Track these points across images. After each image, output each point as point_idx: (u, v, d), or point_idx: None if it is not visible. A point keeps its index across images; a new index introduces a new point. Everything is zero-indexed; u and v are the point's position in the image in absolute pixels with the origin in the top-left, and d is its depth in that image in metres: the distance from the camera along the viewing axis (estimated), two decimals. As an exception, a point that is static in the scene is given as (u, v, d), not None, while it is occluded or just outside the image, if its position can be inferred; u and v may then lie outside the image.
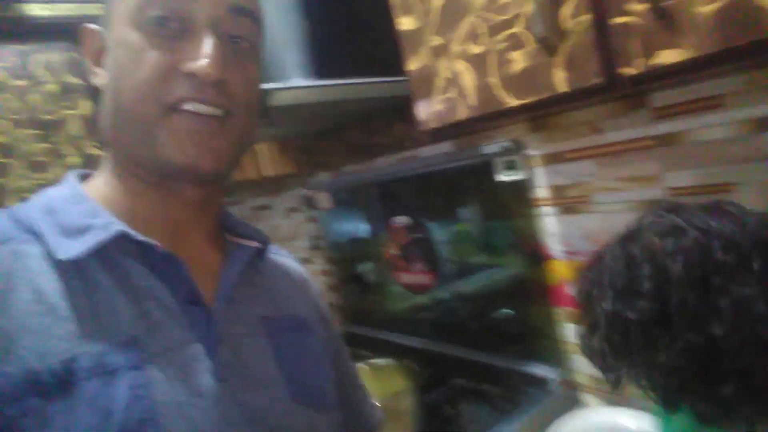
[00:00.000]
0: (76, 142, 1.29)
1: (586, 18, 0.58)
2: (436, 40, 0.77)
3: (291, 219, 1.96)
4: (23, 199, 1.17)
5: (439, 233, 1.32)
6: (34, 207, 0.47)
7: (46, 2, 1.27)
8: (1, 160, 1.21)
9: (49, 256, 0.43)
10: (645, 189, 0.89)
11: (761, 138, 0.74)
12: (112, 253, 0.45)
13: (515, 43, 0.66)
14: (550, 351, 1.06)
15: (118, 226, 0.45)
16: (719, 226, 0.49)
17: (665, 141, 0.85)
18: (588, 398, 1.04)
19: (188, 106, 0.46)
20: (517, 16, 0.65)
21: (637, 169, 0.90)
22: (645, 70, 0.55)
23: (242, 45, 0.49)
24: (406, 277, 1.44)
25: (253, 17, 0.50)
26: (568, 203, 1.02)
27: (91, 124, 1.27)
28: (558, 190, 1.03)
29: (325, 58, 1.07)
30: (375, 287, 1.63)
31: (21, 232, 0.45)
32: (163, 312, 0.46)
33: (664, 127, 0.85)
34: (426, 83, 0.80)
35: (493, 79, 0.70)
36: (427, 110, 0.82)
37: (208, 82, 0.45)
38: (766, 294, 0.45)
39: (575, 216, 1.01)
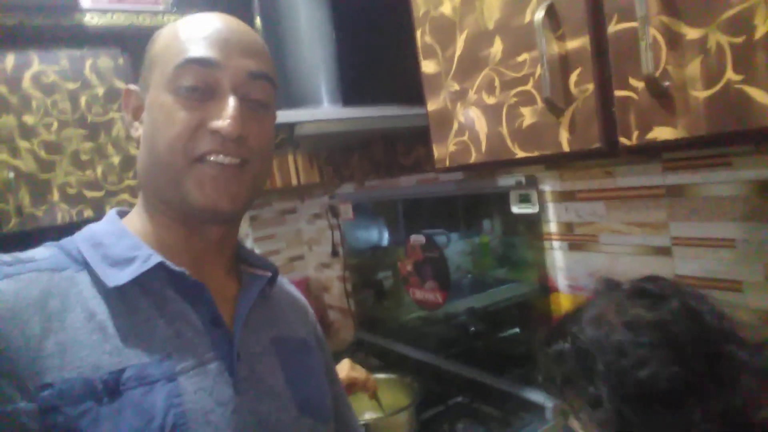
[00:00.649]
0: (118, 142, 1.39)
1: (589, 87, 0.62)
2: (454, 86, 0.82)
3: (314, 224, 2.04)
4: (67, 194, 1.27)
5: (453, 254, 1.37)
6: (82, 240, 0.55)
7: (101, 12, 1.35)
8: (50, 157, 1.31)
9: (96, 282, 0.51)
10: (650, 236, 0.92)
11: (764, 199, 0.77)
12: (149, 281, 0.52)
13: (526, 99, 0.71)
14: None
15: (157, 258, 0.52)
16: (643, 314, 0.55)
17: (674, 192, 0.88)
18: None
19: (212, 158, 0.53)
20: (529, 76, 0.69)
21: (645, 215, 0.92)
22: (640, 142, 0.58)
23: (259, 102, 0.56)
24: (418, 293, 1.49)
25: (268, 79, 0.57)
26: (576, 240, 1.05)
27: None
28: (567, 227, 1.07)
29: (353, 85, 1.13)
30: (388, 297, 1.69)
31: (72, 263, 0.53)
32: (193, 332, 0.53)
33: (673, 179, 0.87)
34: (443, 125, 0.85)
35: (504, 130, 0.74)
36: (442, 150, 0.86)
37: (230, 138, 0.52)
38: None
39: (582, 253, 1.04)
